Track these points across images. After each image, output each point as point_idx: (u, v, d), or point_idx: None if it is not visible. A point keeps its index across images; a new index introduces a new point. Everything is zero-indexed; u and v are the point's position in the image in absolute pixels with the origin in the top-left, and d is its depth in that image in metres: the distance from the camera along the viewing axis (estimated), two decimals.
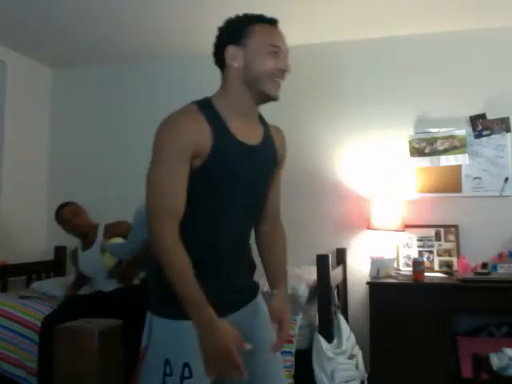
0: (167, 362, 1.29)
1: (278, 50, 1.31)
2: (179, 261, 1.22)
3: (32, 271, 3.69)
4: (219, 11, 3.12)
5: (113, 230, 3.10)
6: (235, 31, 1.33)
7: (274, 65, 1.30)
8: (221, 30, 1.37)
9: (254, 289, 1.49)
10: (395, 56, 3.50)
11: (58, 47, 3.79)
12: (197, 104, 1.33)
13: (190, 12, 3.14)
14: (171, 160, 1.23)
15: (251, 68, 1.30)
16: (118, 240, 3.02)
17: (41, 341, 2.76)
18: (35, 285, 3.49)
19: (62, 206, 3.15)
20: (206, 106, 1.32)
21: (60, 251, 3.87)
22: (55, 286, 3.42)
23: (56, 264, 3.86)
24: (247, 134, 1.34)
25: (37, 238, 4.02)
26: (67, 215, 3.09)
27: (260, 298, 1.50)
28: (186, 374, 1.26)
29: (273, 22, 1.34)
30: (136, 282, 3.01)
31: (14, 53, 3.83)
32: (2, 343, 2.90)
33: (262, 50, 1.29)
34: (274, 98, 1.34)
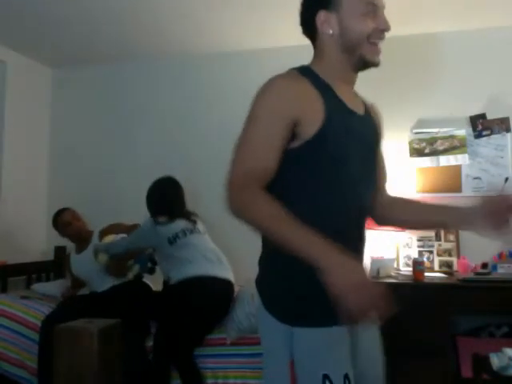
0: (326, 376, 1.11)
1: (374, 8, 1.18)
2: (276, 206, 1.04)
3: (32, 271, 3.70)
4: (219, 11, 3.13)
5: (106, 233, 3.16)
6: None
7: (373, 26, 1.18)
8: None
9: None
10: (395, 56, 3.50)
11: (58, 47, 3.79)
12: (297, 70, 1.21)
13: (190, 12, 3.13)
14: (265, 123, 1.10)
15: (348, 33, 1.18)
16: (110, 237, 3.06)
17: (41, 340, 2.76)
18: (35, 286, 3.51)
19: (61, 211, 3.24)
20: (308, 72, 1.20)
21: (60, 251, 3.87)
22: (55, 287, 3.44)
23: (56, 264, 3.87)
24: (352, 102, 1.24)
25: (37, 238, 4.02)
26: (68, 218, 3.19)
27: None
28: None
29: None
30: (130, 276, 3.05)
31: (14, 53, 3.83)
32: (3, 343, 2.91)
33: (358, 11, 1.17)
34: (375, 64, 1.23)
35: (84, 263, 3.10)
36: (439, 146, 3.35)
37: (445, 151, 3.34)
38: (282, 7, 2.83)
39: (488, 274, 2.95)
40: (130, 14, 3.20)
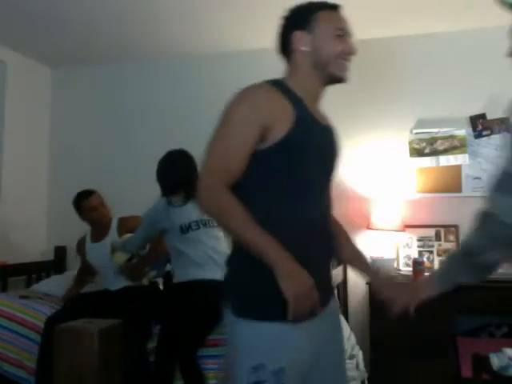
0: (257, 368, 1.17)
1: (343, 33, 1.35)
2: (241, 210, 1.18)
3: (32, 271, 3.70)
4: (219, 11, 3.13)
5: (126, 223, 3.04)
6: (302, 17, 1.35)
7: (341, 47, 1.33)
8: (286, 17, 1.39)
9: (331, 287, 1.45)
10: (395, 56, 3.50)
11: (58, 47, 3.79)
12: (269, 82, 1.31)
13: (190, 12, 3.13)
14: (237, 128, 1.22)
15: (320, 51, 1.33)
16: (128, 236, 2.99)
17: (43, 341, 2.74)
18: (35, 286, 3.50)
19: (88, 193, 3.06)
20: (279, 84, 1.31)
21: (60, 251, 3.87)
22: (55, 286, 3.42)
23: (56, 264, 3.87)
24: (318, 115, 1.37)
25: (37, 238, 4.02)
26: (95, 203, 3.03)
27: (335, 299, 1.45)
28: (284, 380, 1.17)
29: (336, 8, 1.38)
30: (145, 281, 2.99)
31: (14, 53, 3.83)
32: (2, 343, 2.90)
33: (329, 34, 1.33)
34: (343, 79, 1.36)
35: (99, 255, 2.97)
36: (439, 146, 3.35)
37: (445, 151, 3.34)
38: (282, 7, 2.83)
39: None
40: (129, 14, 3.20)
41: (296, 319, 1.15)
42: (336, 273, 2.95)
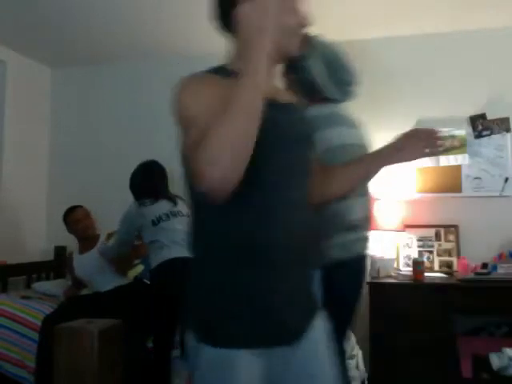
0: None
1: (295, 3, 1.17)
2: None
3: (32, 271, 3.70)
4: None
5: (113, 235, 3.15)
6: None
7: (293, 20, 1.16)
8: None
9: (313, 303, 1.19)
10: (395, 56, 3.50)
11: (58, 47, 3.79)
12: (208, 71, 1.16)
13: (190, 12, 3.14)
14: (205, 114, 0.98)
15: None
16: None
17: (40, 340, 2.76)
18: (36, 285, 3.51)
19: (74, 207, 3.28)
20: (218, 70, 1.15)
21: (60, 251, 3.87)
22: (56, 286, 3.43)
23: (56, 264, 3.87)
24: (275, 93, 1.16)
25: (37, 237, 4.01)
26: (80, 215, 3.23)
27: (322, 319, 1.19)
28: None
29: None
30: (130, 276, 3.07)
31: (14, 53, 3.83)
32: (4, 343, 2.91)
33: (282, 5, 1.10)
34: (294, 55, 1.20)
35: (86, 264, 3.11)
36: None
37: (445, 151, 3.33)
38: None
39: (488, 274, 2.95)
40: (130, 14, 3.20)
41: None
42: None
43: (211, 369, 1.03)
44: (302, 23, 1.19)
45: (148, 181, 2.88)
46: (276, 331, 1.06)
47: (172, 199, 2.84)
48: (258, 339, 1.04)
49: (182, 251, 2.60)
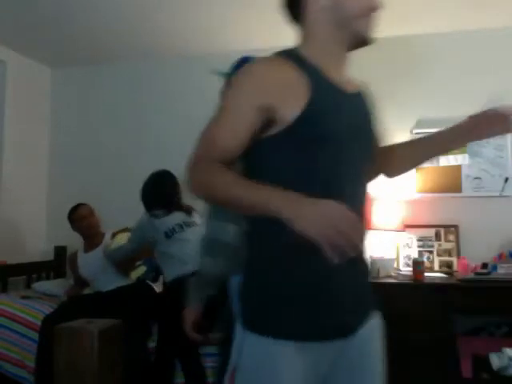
0: None
1: None
2: (225, 172, 0.98)
3: (32, 271, 3.70)
4: (220, 11, 3.13)
5: (118, 234, 3.19)
6: None
7: (367, 2, 1.12)
8: None
9: (369, 302, 1.20)
10: (395, 56, 3.50)
11: (58, 47, 3.79)
12: (281, 53, 1.10)
13: (189, 12, 3.13)
14: (237, 109, 1.02)
15: (342, 6, 1.10)
16: (124, 236, 3.07)
17: (40, 339, 2.76)
18: (36, 285, 3.51)
19: (79, 205, 3.27)
20: (292, 55, 1.09)
21: (60, 251, 3.87)
22: (56, 286, 3.43)
23: (56, 264, 3.87)
24: (344, 83, 1.14)
25: (37, 238, 4.01)
26: (85, 212, 3.22)
27: (377, 320, 1.19)
28: None
29: None
30: (133, 277, 3.07)
31: (14, 53, 3.83)
32: (4, 343, 2.91)
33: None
34: (370, 41, 1.17)
35: (91, 263, 3.10)
36: None
37: None
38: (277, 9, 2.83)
39: (488, 274, 2.95)
40: (129, 14, 3.19)
41: (342, 255, 0.86)
42: None
43: (255, 361, 1.00)
44: (372, 5, 1.14)
45: (160, 191, 2.81)
46: (337, 323, 1.04)
47: (187, 210, 2.79)
48: (316, 330, 1.02)
49: (195, 265, 2.57)
